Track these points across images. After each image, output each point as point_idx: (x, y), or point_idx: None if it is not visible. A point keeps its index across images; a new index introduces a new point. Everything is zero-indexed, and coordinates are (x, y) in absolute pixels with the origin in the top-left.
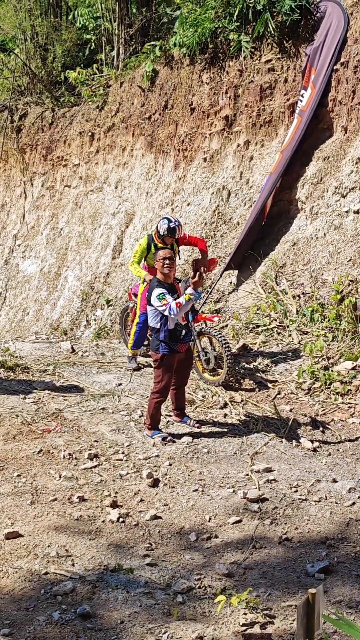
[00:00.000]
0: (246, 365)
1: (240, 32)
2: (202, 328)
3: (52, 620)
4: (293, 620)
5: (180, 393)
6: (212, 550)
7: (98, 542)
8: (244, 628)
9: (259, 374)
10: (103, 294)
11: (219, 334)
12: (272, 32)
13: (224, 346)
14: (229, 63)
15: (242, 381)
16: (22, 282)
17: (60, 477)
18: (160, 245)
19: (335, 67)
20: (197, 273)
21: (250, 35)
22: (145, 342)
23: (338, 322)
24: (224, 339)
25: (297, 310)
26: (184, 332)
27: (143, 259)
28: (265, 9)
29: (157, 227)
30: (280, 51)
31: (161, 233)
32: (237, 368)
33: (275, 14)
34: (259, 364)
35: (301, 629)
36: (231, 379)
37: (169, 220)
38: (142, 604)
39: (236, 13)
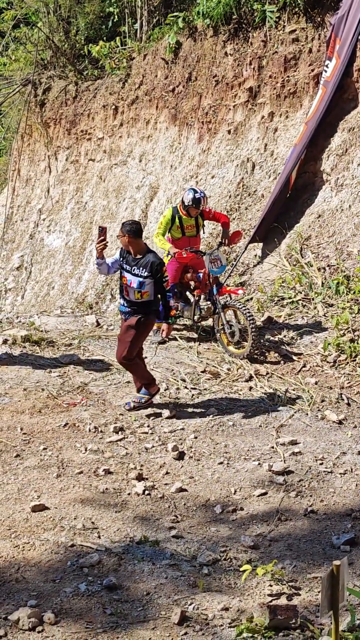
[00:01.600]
0: (271, 338)
1: (264, 2)
2: (227, 301)
3: (79, 591)
4: (318, 592)
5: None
6: (237, 522)
7: (124, 514)
8: (270, 599)
9: (284, 347)
10: None
11: (243, 306)
12: (297, 2)
13: (248, 319)
14: (252, 34)
15: (267, 354)
16: (47, 257)
17: (86, 450)
18: (184, 217)
19: None
20: (101, 239)
21: (276, 5)
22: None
23: None
24: (249, 312)
25: (323, 283)
26: (126, 308)
27: (167, 231)
28: None
29: (182, 198)
30: (305, 21)
31: (186, 203)
32: (262, 341)
33: None
34: (284, 336)
35: (325, 600)
36: (256, 351)
37: (195, 191)
38: (168, 575)
39: None
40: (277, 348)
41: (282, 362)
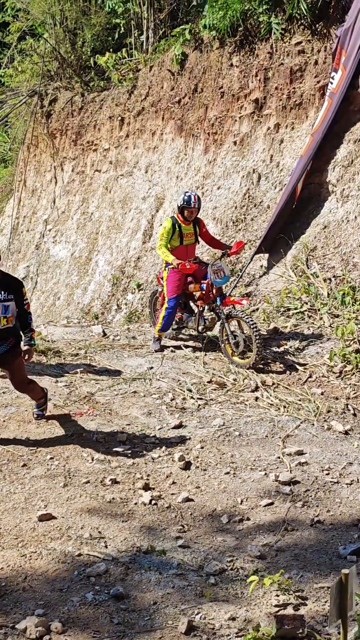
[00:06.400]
0: (277, 349)
1: (270, 14)
2: (231, 311)
3: (86, 601)
4: (325, 601)
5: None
6: (244, 532)
7: (130, 524)
8: (277, 609)
9: (290, 357)
10: (134, 278)
11: (247, 316)
12: (303, 14)
13: (252, 329)
14: (258, 45)
15: (271, 364)
16: (53, 267)
17: (92, 459)
18: (183, 225)
19: None
20: None
21: (281, 17)
22: (175, 326)
23: None
24: (253, 322)
25: (329, 294)
26: None
27: (169, 241)
28: None
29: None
30: (311, 33)
31: (179, 205)
32: (266, 351)
33: None
34: (290, 347)
35: (334, 608)
36: (261, 362)
37: (185, 192)
38: (175, 585)
39: None
40: (283, 358)
41: (288, 372)
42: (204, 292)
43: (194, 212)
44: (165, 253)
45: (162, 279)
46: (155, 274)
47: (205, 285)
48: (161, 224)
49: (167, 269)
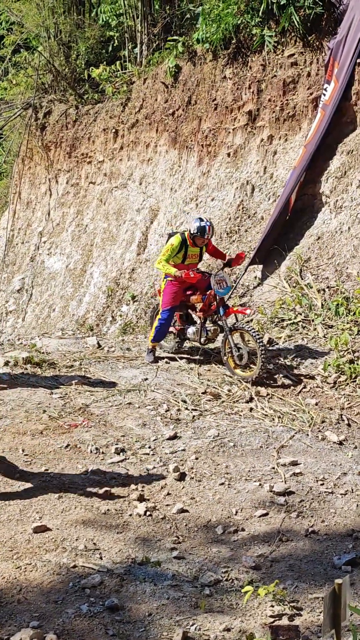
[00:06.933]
0: (272, 360)
1: (263, 27)
2: (235, 324)
3: (81, 612)
4: (320, 612)
5: None
6: (238, 543)
7: (125, 535)
8: (272, 620)
9: (284, 369)
10: (128, 290)
11: (252, 329)
12: (296, 26)
13: (257, 341)
14: (252, 58)
15: (275, 376)
16: (47, 279)
17: (87, 471)
18: (190, 246)
19: (358, 60)
20: None
21: (274, 30)
22: (177, 339)
23: None
24: (257, 334)
25: (322, 304)
26: None
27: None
28: (289, 3)
29: (189, 227)
30: (303, 45)
31: (192, 232)
32: (270, 363)
33: (298, 7)
34: (285, 357)
35: (328, 619)
36: (264, 375)
37: (200, 220)
38: (170, 596)
39: (262, 8)
40: (278, 369)
41: (282, 383)
42: (205, 303)
43: (206, 242)
44: (165, 266)
45: (160, 290)
46: (150, 286)
47: (206, 296)
48: (166, 238)
49: (165, 280)
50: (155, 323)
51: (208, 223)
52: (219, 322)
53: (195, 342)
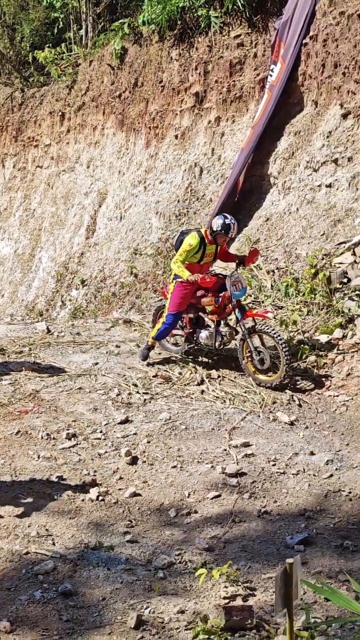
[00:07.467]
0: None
1: (209, 8)
2: (254, 326)
3: (34, 599)
4: (273, 592)
5: None
6: (191, 525)
7: (78, 520)
8: (226, 601)
9: (234, 347)
10: (78, 274)
11: (273, 330)
12: (241, 7)
13: (280, 343)
14: (198, 39)
15: (297, 380)
16: None
17: (38, 457)
18: (209, 245)
19: (304, 41)
20: None
21: (220, 11)
22: (187, 345)
23: (313, 296)
24: (279, 336)
25: (272, 285)
26: None
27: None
28: None
29: (210, 224)
30: (249, 26)
31: (214, 229)
32: (293, 365)
33: None
34: (235, 339)
35: (280, 598)
36: (287, 379)
37: (225, 217)
38: (124, 580)
39: None
40: (227, 350)
41: (233, 364)
42: (217, 305)
43: (227, 240)
44: (181, 268)
45: (168, 292)
46: (99, 270)
47: (220, 298)
48: (110, 219)
49: (174, 281)
50: (159, 325)
51: (233, 221)
52: (236, 326)
53: (208, 346)
